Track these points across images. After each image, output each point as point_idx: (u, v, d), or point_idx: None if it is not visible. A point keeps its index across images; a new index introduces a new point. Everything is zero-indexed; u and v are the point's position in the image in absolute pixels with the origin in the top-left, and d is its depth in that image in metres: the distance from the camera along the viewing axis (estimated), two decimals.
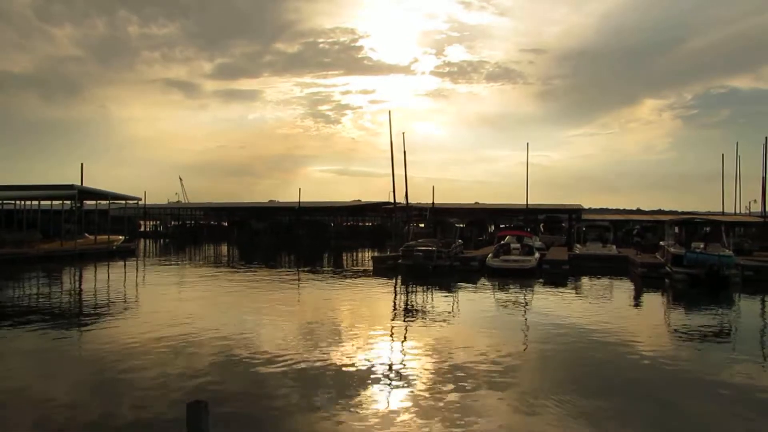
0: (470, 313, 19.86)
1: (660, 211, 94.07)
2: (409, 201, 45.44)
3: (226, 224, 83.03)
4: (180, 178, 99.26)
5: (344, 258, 47.13)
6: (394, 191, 43.61)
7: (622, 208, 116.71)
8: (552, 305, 21.72)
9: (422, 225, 43.80)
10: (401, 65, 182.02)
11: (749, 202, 61.30)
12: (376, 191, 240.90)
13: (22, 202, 46.17)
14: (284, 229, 68.93)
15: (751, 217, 52.37)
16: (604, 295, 25.80)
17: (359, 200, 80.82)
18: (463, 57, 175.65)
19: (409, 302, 23.58)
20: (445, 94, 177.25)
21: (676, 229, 35.76)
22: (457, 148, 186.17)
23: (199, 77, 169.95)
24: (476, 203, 75.61)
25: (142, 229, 78.79)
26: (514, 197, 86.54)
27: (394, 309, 21.70)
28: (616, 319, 18.52)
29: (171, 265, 39.78)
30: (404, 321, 18.62)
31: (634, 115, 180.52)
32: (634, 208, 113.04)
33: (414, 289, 26.54)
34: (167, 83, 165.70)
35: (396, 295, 25.91)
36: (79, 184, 43.53)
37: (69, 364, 12.32)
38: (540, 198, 54.71)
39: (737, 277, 26.68)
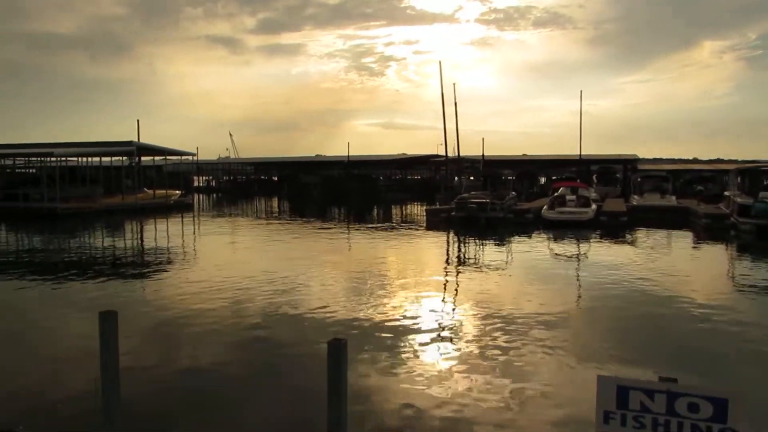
0: (525, 265, 19.64)
1: (719, 161, 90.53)
2: (456, 153, 45.02)
3: (275, 179, 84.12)
4: (230, 134, 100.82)
5: (395, 211, 47.31)
6: (446, 144, 43.20)
7: (677, 157, 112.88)
8: (609, 258, 21.30)
9: (471, 178, 43.32)
10: (445, 14, 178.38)
11: None
12: (421, 144, 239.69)
13: (85, 159, 47.80)
14: (334, 183, 69.36)
15: None
16: (665, 247, 25.22)
17: (404, 154, 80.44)
18: (510, 3, 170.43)
19: (462, 254, 23.63)
20: (490, 43, 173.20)
21: (739, 179, 34.45)
22: (502, 99, 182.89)
23: (241, 33, 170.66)
24: (523, 155, 74.20)
25: (196, 184, 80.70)
26: (562, 148, 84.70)
27: (447, 261, 21.79)
28: (678, 271, 18.11)
29: (226, 218, 40.73)
30: (457, 273, 18.65)
31: (691, 58, 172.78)
32: (691, 158, 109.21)
33: (468, 241, 26.53)
34: (211, 40, 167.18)
35: (449, 246, 25.96)
36: (136, 140, 44.65)
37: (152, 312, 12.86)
38: (589, 149, 53.16)
39: None
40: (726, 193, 33.58)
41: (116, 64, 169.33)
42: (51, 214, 34.69)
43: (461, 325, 11.74)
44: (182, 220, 37.42)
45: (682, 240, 26.97)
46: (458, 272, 18.74)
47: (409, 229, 32.22)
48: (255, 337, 10.63)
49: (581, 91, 52.85)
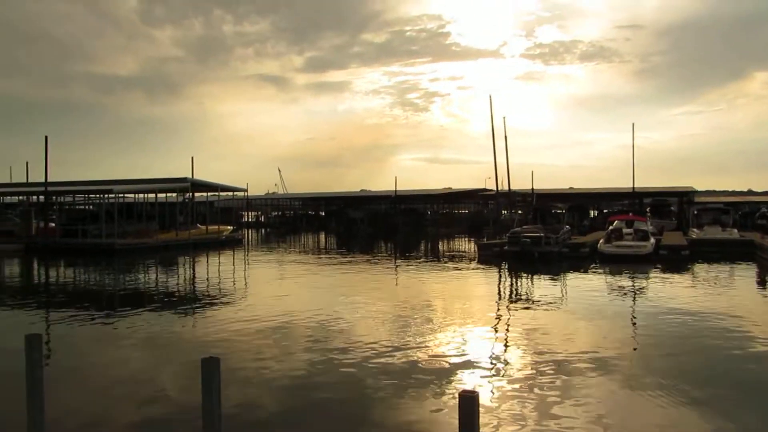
0: (581, 301, 18.85)
1: None
2: (507, 187, 44.57)
3: (323, 214, 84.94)
4: (279, 170, 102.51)
5: (442, 245, 46.94)
6: (496, 177, 42.80)
7: (731, 189, 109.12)
8: (672, 293, 20.38)
9: (520, 212, 42.70)
10: (490, 49, 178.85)
11: None
12: (466, 178, 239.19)
13: (141, 195, 49.26)
14: (381, 218, 69.52)
15: None
16: (729, 282, 24.10)
17: (449, 188, 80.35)
18: (555, 37, 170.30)
19: (516, 290, 23.02)
20: (536, 77, 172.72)
21: None
22: (549, 132, 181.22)
23: (290, 71, 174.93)
24: (570, 188, 73.07)
25: (245, 219, 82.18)
26: (610, 182, 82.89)
27: (500, 297, 21.34)
28: (742, 309, 17.14)
29: (276, 253, 41.09)
30: (510, 309, 18.10)
31: (742, 90, 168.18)
32: (746, 190, 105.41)
33: (521, 276, 25.90)
34: (260, 78, 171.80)
35: (502, 282, 25.41)
36: (191, 176, 45.81)
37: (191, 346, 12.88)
38: (640, 182, 51.81)
39: None
40: None
41: (171, 103, 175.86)
42: (109, 250, 35.64)
43: (505, 360, 11.32)
44: (234, 256, 37.91)
45: (745, 275, 25.79)
46: (508, 309, 18.19)
47: (461, 263, 31.79)
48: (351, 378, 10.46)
49: (633, 124, 52.02)
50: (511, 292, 22.47)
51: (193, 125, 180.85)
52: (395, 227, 62.99)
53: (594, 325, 15.00)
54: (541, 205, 42.45)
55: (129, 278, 26.72)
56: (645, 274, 25.32)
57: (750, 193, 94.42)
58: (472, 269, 28.85)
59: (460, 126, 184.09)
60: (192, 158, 61.36)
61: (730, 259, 29.58)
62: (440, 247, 45.23)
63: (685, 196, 57.63)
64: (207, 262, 34.30)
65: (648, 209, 57.51)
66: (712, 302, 18.13)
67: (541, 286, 23.22)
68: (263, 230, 75.90)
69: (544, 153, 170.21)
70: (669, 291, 21.11)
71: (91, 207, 50.25)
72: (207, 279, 26.40)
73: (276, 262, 34.43)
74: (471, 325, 14.99)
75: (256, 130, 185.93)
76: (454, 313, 16.69)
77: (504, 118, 48.59)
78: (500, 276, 26.90)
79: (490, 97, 42.58)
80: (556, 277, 24.95)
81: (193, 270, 31.03)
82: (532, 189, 54.38)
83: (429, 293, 21.26)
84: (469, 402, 4.02)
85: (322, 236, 61.13)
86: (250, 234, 63.78)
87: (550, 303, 18.54)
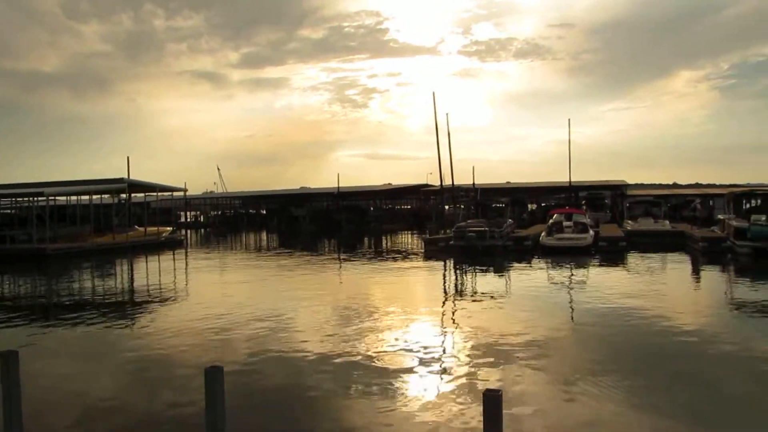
0: (523, 292, 19.24)
1: (698, 185, 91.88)
2: (451, 182, 45.03)
3: (264, 212, 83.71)
4: (218, 168, 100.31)
5: (388, 241, 47.08)
6: (440, 173, 43.19)
7: (658, 183, 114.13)
8: (610, 283, 21.15)
9: (462, 206, 43.29)
10: (427, 46, 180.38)
11: None
12: (405, 174, 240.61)
13: (74, 198, 47.08)
14: (324, 215, 69.09)
15: None
16: (664, 271, 25.25)
17: (389, 184, 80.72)
18: (491, 35, 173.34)
19: (461, 283, 23.33)
20: (472, 74, 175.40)
21: (732, 203, 34.88)
22: (485, 128, 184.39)
23: (225, 67, 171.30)
24: (507, 182, 74.65)
25: (183, 219, 79.98)
26: (547, 176, 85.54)
27: (446, 290, 21.64)
28: (679, 295, 18.20)
29: (218, 253, 40.20)
30: (455, 302, 18.43)
31: (668, 87, 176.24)
32: (671, 183, 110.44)
33: (468, 270, 26.24)
34: (194, 74, 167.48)
35: (449, 276, 25.69)
36: (127, 176, 44.17)
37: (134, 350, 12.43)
38: (575, 176, 53.71)
39: None
40: (720, 216, 33.91)
41: (100, 100, 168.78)
42: (39, 255, 33.87)
43: (447, 352, 11.41)
44: (175, 257, 36.83)
45: (678, 264, 26.95)
46: (454, 302, 18.35)
47: (407, 259, 31.98)
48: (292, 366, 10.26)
49: (569, 120, 53.44)
50: (458, 285, 22.75)
51: (124, 123, 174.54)
52: (338, 224, 62.74)
53: (539, 314, 15.35)
54: (483, 199, 43.14)
55: (60, 284, 25.44)
56: (586, 265, 26.22)
57: (675, 186, 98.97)
58: (418, 265, 29.06)
59: (398, 122, 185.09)
60: (128, 158, 58.93)
61: (663, 249, 30.91)
62: (385, 243, 45.33)
63: (618, 189, 59.92)
64: (146, 264, 33.15)
65: (583, 202, 59.51)
66: (648, 290, 18.95)
67: (487, 279, 23.56)
68: (203, 230, 74.08)
69: (481, 148, 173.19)
70: (609, 280, 21.96)
71: (16, 210, 47.69)
72: (146, 282, 25.46)
73: (218, 262, 33.69)
74: (417, 321, 15.06)
75: (191, 128, 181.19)
76: (399, 308, 16.63)
77: (447, 114, 49.28)
78: (446, 270, 27.17)
79: (434, 93, 42.91)
80: (501, 270, 25.41)
81: (132, 273, 29.89)
82: (474, 183, 55.28)
83: (376, 289, 21.25)
84: (492, 400, 4.03)
85: (264, 235, 60.26)
86: (188, 234, 62.16)
87: (496, 295, 18.85)
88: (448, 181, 43.63)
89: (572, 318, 15.48)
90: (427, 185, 74.20)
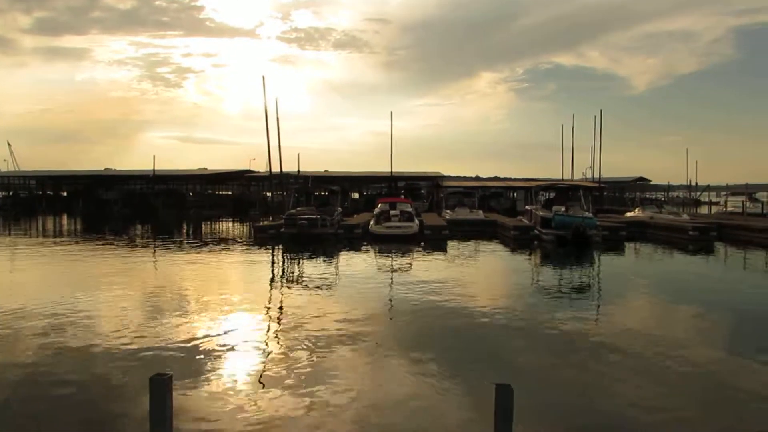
0: (350, 279, 19.52)
1: (496, 178, 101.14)
2: (279, 169, 44.29)
3: (65, 194, 75.55)
4: (9, 144, 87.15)
5: (210, 228, 45.06)
6: (269, 159, 42.25)
7: (462, 175, 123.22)
8: (432, 268, 22.40)
9: (294, 194, 43.04)
10: (246, 28, 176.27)
11: (585, 169, 68.06)
12: (222, 159, 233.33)
13: None
14: (138, 198, 64.23)
15: (591, 183, 57.87)
16: (481, 257, 27.26)
17: (205, 168, 77.69)
18: (310, 23, 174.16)
19: (290, 271, 22.86)
20: (292, 61, 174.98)
21: (540, 195, 38.91)
22: (305, 116, 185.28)
23: (14, 31, 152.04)
24: (326, 171, 75.70)
25: None
26: (365, 165, 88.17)
27: (273, 279, 21.18)
28: (494, 278, 20.12)
29: (9, 239, 35.37)
30: (281, 290, 18.07)
31: (472, 87, 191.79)
32: (473, 175, 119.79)
33: (299, 258, 25.87)
34: None
35: (278, 264, 25.18)
36: None
37: None
38: (386, 166, 56.23)
39: (598, 236, 29.43)
40: (527, 207, 37.50)
41: None
42: None
43: (267, 341, 11.52)
44: None
45: (494, 251, 29.17)
46: (280, 291, 18.00)
47: (236, 246, 30.81)
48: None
49: (392, 112, 55.94)
50: (286, 273, 22.36)
51: None
52: (155, 209, 58.75)
53: (368, 299, 15.70)
54: (313, 187, 43.13)
55: None
56: (412, 253, 27.36)
57: (477, 178, 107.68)
58: (248, 252, 28.15)
59: (215, 105, 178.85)
60: None
61: (479, 237, 33.42)
62: (207, 230, 43.31)
63: (435, 180, 63.63)
64: None
65: (402, 192, 62.39)
66: (466, 273, 20.38)
67: (318, 267, 23.38)
68: None
69: (300, 136, 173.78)
70: (432, 266, 23.15)
71: None
72: None
73: (8, 248, 29.69)
74: (241, 310, 14.50)
75: None
76: (222, 297, 16.03)
77: (276, 99, 48.17)
78: (276, 258, 26.58)
79: (263, 77, 41.74)
80: (330, 257, 25.54)
81: None
82: (299, 171, 55.10)
83: (202, 278, 20.07)
84: (504, 393, 4.10)
85: (66, 219, 54.42)
86: None
87: (325, 283, 18.75)
88: (275, 168, 42.82)
89: (391, 302, 15.98)
90: (250, 171, 72.41)
